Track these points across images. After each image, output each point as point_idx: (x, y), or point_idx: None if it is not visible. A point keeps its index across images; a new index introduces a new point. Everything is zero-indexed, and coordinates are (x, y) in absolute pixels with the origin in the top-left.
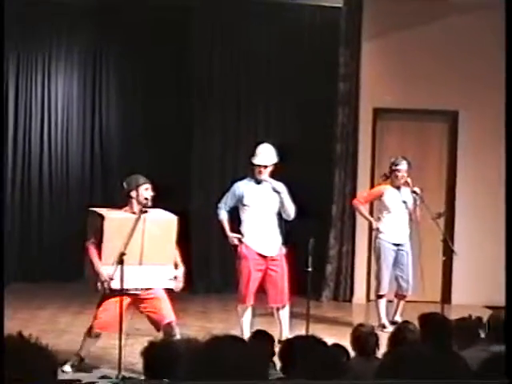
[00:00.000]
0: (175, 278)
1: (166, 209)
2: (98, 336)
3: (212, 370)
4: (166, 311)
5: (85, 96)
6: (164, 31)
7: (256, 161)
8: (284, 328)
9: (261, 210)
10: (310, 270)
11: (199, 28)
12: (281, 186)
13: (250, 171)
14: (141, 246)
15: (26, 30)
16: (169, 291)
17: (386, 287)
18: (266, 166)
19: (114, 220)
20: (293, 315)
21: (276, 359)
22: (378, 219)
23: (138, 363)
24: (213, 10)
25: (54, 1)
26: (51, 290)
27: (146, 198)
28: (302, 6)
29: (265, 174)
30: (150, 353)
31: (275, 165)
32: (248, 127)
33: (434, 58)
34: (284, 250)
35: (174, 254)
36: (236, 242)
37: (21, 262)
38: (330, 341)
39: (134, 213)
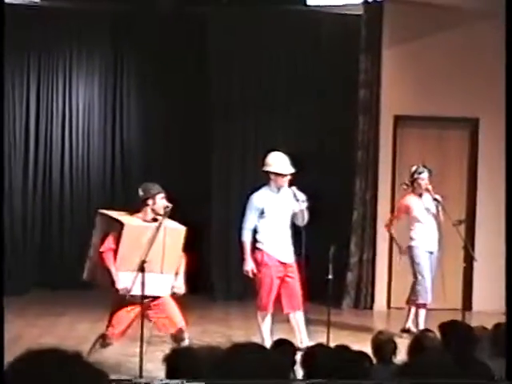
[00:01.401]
0: (172, 287)
1: (187, 215)
2: (109, 345)
3: (233, 378)
4: (177, 317)
5: (106, 102)
6: (183, 38)
7: (278, 169)
8: (303, 334)
9: (278, 218)
10: (330, 277)
11: (217, 38)
12: (301, 195)
13: (267, 179)
14: (155, 254)
15: (46, 36)
16: (179, 297)
17: (430, 296)
18: (287, 175)
19: (134, 228)
20: (314, 323)
21: (297, 367)
22: (410, 230)
23: (158, 370)
24: (231, 19)
25: (74, 8)
26: (71, 297)
27: (167, 207)
28: (323, 14)
29: (286, 183)
30: (172, 360)
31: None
32: (267, 135)
33: (455, 65)
34: (295, 257)
35: (180, 263)
36: (250, 274)
37: (41, 269)
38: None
39: (146, 220)
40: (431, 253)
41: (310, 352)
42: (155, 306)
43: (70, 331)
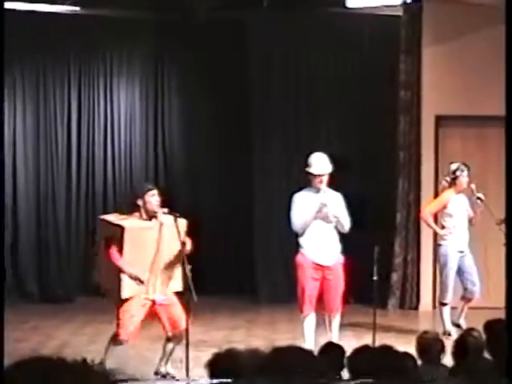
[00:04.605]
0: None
1: (230, 220)
2: (122, 343)
3: (275, 381)
4: (181, 317)
5: (147, 107)
6: (224, 42)
7: (314, 170)
8: (334, 336)
9: (319, 220)
10: (375, 278)
11: (257, 42)
12: (338, 196)
13: (308, 181)
14: (159, 253)
15: (87, 43)
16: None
17: (451, 295)
18: (323, 175)
19: (134, 230)
20: (359, 324)
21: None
22: (442, 227)
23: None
24: (271, 23)
25: (114, 14)
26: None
27: (164, 212)
28: (362, 16)
29: (323, 183)
30: (214, 364)
31: (332, 174)
32: (309, 137)
33: (494, 63)
34: (342, 259)
35: (180, 257)
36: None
37: (88, 277)
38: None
39: (143, 219)
40: (461, 252)
41: (355, 354)
42: (163, 305)
43: None
